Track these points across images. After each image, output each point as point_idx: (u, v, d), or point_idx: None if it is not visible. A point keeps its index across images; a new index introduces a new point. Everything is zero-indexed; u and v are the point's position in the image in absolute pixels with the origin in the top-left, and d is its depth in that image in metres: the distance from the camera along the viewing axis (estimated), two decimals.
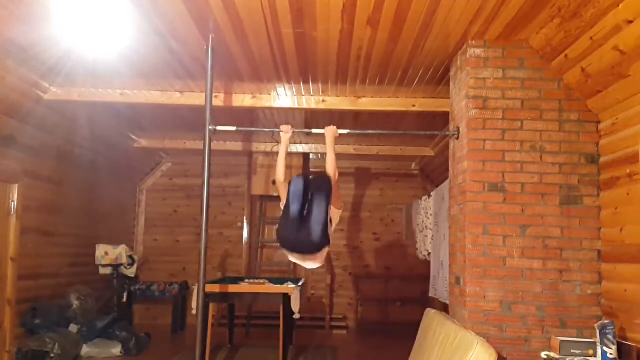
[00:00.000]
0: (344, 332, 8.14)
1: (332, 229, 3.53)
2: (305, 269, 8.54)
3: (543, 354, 3.27)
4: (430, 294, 6.46)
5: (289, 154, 7.67)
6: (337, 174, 3.79)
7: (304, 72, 4.55)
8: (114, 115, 6.08)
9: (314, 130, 4.24)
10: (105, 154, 7.04)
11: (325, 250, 3.39)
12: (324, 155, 7.41)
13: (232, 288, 5.47)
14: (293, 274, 8.34)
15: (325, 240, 3.29)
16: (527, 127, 3.67)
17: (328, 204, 3.34)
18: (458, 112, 3.98)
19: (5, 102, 4.61)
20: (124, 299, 7.20)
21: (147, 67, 4.50)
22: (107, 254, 6.90)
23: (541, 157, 3.64)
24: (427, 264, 6.69)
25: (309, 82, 4.84)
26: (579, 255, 3.57)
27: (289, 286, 5.52)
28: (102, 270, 6.99)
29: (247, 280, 6.23)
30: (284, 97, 5.21)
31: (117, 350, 5.98)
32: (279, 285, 5.74)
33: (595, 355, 3.15)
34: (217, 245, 8.40)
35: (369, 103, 5.20)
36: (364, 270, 8.66)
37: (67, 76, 4.75)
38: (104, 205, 7.40)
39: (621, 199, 3.34)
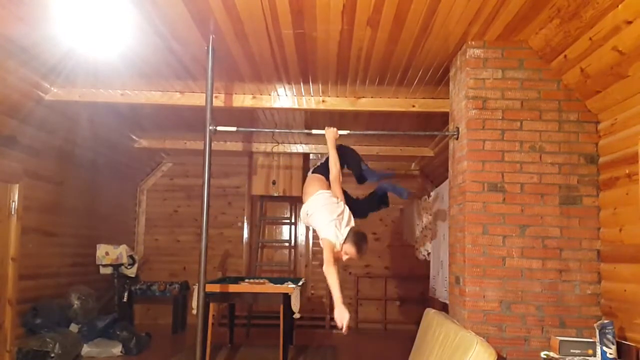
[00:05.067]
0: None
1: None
2: (305, 268, 8.58)
3: (542, 354, 3.28)
4: (430, 294, 6.47)
5: (289, 155, 7.77)
6: (340, 176, 3.84)
7: (304, 72, 4.56)
8: (115, 115, 6.09)
9: (314, 131, 4.25)
10: (106, 154, 7.05)
11: None
12: (324, 155, 7.42)
13: (232, 288, 5.48)
14: (293, 274, 8.36)
15: None
16: (526, 128, 3.68)
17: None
18: (457, 112, 3.98)
19: (6, 102, 4.62)
20: (125, 299, 7.21)
21: (147, 68, 4.51)
22: (107, 253, 6.91)
23: (540, 157, 3.65)
24: (427, 264, 6.71)
25: (309, 83, 4.85)
26: (578, 255, 3.58)
27: (289, 286, 5.52)
28: (103, 270, 7.00)
29: (247, 280, 6.23)
30: (284, 97, 5.21)
31: (117, 350, 5.98)
32: (279, 285, 5.75)
33: (594, 355, 3.15)
34: (218, 245, 8.40)
35: (368, 103, 5.20)
36: (364, 270, 8.67)
37: (67, 76, 4.76)
38: (105, 205, 7.41)
39: (620, 199, 3.34)
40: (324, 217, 3.64)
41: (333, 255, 3.49)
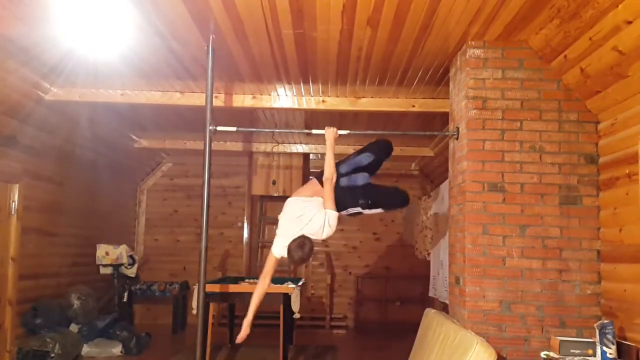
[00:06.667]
0: (344, 331, 8.15)
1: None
2: (305, 268, 8.59)
3: (542, 354, 3.28)
4: (430, 294, 6.48)
5: (289, 155, 7.77)
6: (334, 177, 3.83)
7: (304, 72, 4.56)
8: (115, 115, 6.09)
9: (314, 131, 4.25)
10: (106, 154, 7.05)
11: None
12: (324, 155, 7.41)
13: (232, 288, 5.48)
14: (293, 274, 8.35)
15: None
16: (526, 128, 3.67)
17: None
18: (457, 112, 3.98)
19: (7, 102, 4.62)
20: (125, 299, 7.22)
21: (147, 68, 4.51)
22: (107, 253, 6.91)
23: (540, 157, 3.65)
24: (427, 264, 6.71)
25: (309, 83, 4.85)
26: (578, 255, 3.58)
27: (289, 286, 5.53)
28: (103, 270, 7.01)
29: (247, 280, 6.24)
30: (284, 97, 5.21)
31: (117, 350, 5.99)
32: (279, 285, 5.74)
33: (594, 355, 3.15)
34: (218, 245, 8.41)
35: (368, 103, 5.21)
36: (364, 270, 8.67)
37: (67, 77, 4.76)
38: (105, 205, 7.41)
39: (620, 199, 3.34)
40: (285, 230, 3.82)
41: (273, 269, 3.99)
